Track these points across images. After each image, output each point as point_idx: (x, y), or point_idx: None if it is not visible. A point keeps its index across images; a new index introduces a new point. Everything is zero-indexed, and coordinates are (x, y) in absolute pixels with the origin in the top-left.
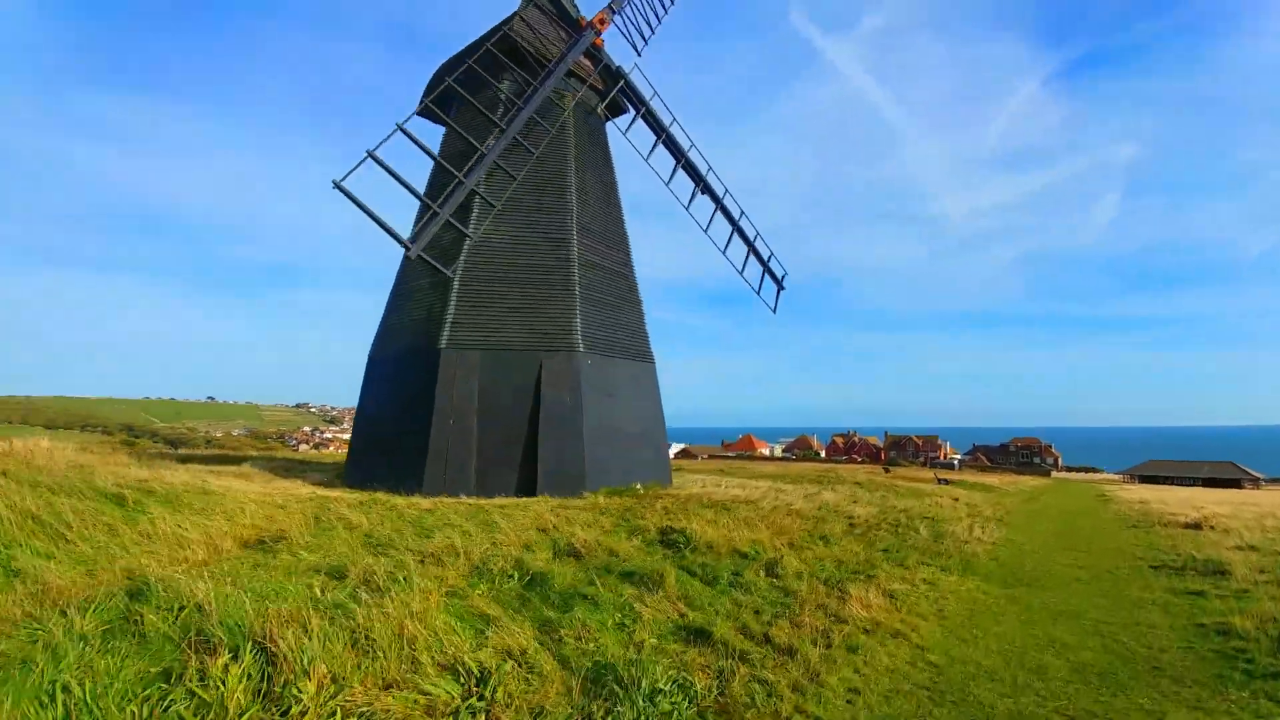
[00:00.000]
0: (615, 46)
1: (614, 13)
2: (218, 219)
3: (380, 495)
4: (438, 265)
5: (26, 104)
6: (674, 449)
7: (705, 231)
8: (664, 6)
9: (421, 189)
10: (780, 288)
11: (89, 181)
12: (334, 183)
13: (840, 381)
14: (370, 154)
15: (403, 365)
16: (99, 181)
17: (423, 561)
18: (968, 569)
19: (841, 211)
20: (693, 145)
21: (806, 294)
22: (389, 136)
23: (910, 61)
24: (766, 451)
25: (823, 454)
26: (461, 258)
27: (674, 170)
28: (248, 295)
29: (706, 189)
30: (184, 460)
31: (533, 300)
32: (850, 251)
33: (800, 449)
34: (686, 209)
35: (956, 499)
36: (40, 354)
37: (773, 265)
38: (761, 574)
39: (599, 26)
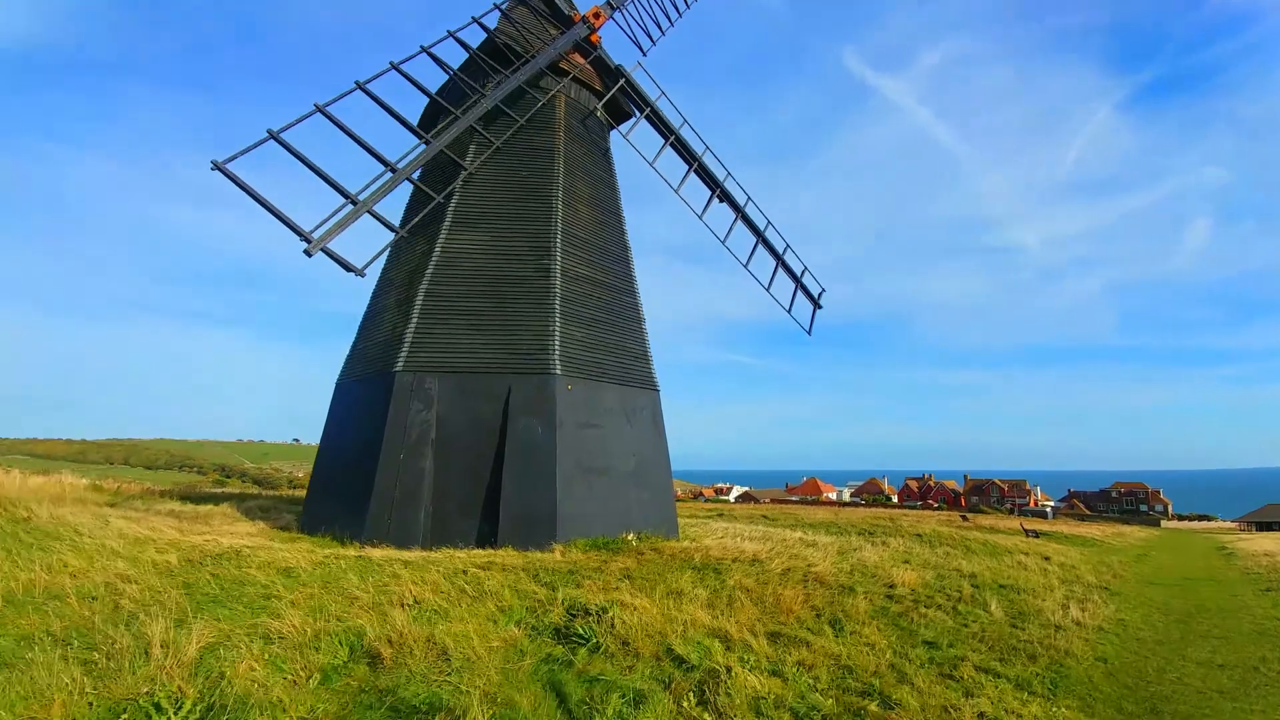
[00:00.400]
0: (619, 47)
1: (613, 9)
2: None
3: (264, 543)
4: (342, 260)
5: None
6: (735, 491)
7: (723, 242)
8: (677, 9)
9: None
10: (816, 306)
11: (191, 240)
12: (213, 164)
13: (916, 422)
14: (272, 134)
15: (359, 394)
16: (206, 240)
17: (88, 669)
18: (1059, 682)
19: (908, 247)
20: (707, 149)
21: (878, 331)
22: (305, 117)
23: (972, 93)
24: (834, 495)
25: (895, 499)
26: (429, 270)
27: (685, 175)
28: (323, 341)
29: (725, 196)
30: (184, 499)
31: (506, 316)
32: (920, 287)
33: (869, 493)
34: (700, 217)
35: (1047, 558)
36: (143, 399)
37: (806, 281)
38: (689, 702)
39: (594, 21)
